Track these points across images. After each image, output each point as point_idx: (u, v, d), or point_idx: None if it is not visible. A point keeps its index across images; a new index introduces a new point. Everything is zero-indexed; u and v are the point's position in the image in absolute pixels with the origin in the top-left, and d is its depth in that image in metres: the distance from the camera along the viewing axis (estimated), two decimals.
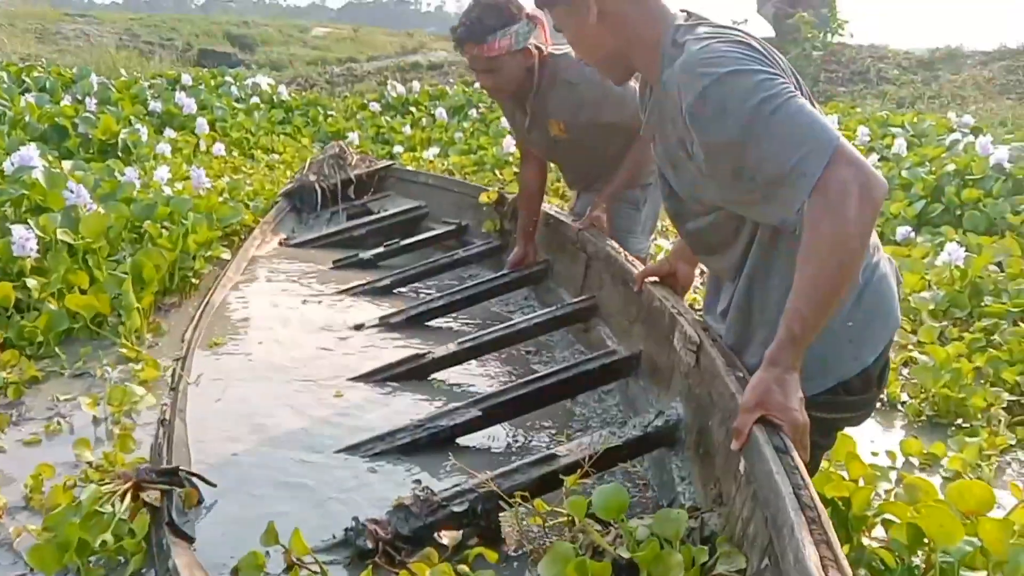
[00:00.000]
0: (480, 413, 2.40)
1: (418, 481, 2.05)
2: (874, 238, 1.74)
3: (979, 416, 2.86)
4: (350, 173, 5.53)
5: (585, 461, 1.94)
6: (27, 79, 8.88)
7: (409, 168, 5.63)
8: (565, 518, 1.76)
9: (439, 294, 3.69)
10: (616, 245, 2.94)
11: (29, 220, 3.73)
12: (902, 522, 1.77)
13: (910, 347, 3.44)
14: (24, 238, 3.42)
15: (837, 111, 9.37)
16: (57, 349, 3.13)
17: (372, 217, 5.10)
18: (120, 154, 6.55)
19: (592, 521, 1.70)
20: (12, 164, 4.40)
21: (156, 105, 8.25)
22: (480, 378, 2.92)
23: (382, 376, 2.84)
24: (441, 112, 9.46)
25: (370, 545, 1.82)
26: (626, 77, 1.95)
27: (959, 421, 2.88)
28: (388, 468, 2.28)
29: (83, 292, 3.42)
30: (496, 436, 2.44)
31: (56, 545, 1.88)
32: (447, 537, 1.81)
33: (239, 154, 7.85)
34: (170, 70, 11.90)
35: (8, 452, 2.48)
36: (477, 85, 11.45)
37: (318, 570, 1.73)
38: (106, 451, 2.39)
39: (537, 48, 3.09)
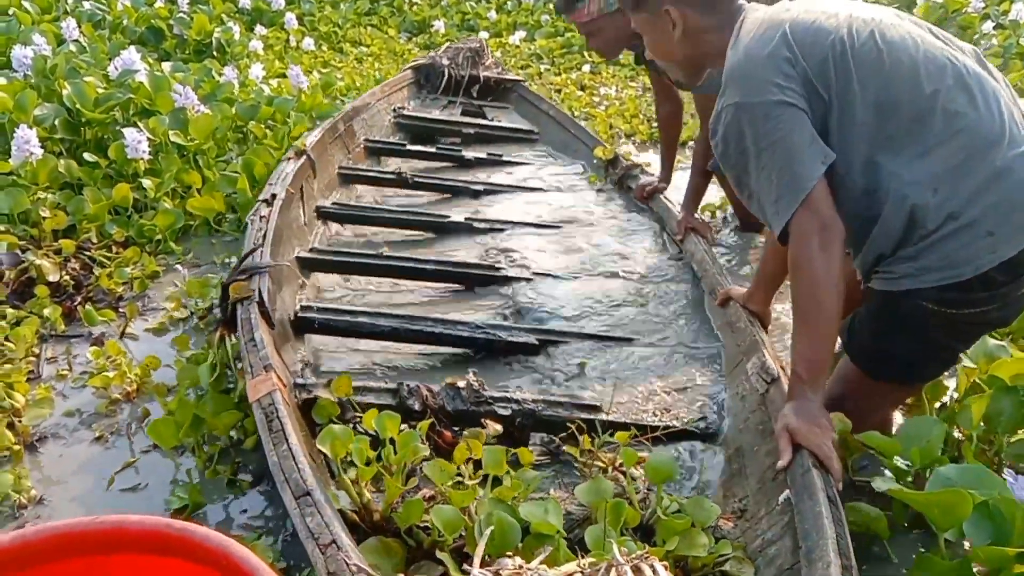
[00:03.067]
0: (536, 341, 2.52)
1: (476, 372, 2.18)
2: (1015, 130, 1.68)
3: None
4: (481, 72, 5.53)
5: (619, 422, 2.09)
6: None
7: (536, 91, 5.54)
8: (603, 462, 1.86)
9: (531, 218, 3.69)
10: (712, 255, 2.95)
11: (138, 123, 3.91)
12: None
13: None
14: (136, 140, 3.60)
15: None
16: (173, 244, 3.33)
17: (484, 122, 5.10)
18: (215, 53, 6.70)
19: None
20: (116, 68, 4.55)
21: (246, 2, 8.32)
22: (565, 301, 2.89)
23: (460, 273, 2.99)
24: None
25: (417, 407, 1.99)
26: (698, 79, 2.06)
27: None
28: (448, 356, 2.51)
29: (195, 191, 3.60)
30: (560, 363, 2.48)
31: (174, 422, 2.08)
32: (491, 427, 1.96)
33: (328, 48, 7.90)
34: None
35: (140, 339, 2.71)
36: None
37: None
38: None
39: None
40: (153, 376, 2.45)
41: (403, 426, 1.79)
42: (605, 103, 6.00)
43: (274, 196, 2.89)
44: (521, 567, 1.31)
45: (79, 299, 2.88)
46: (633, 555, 1.28)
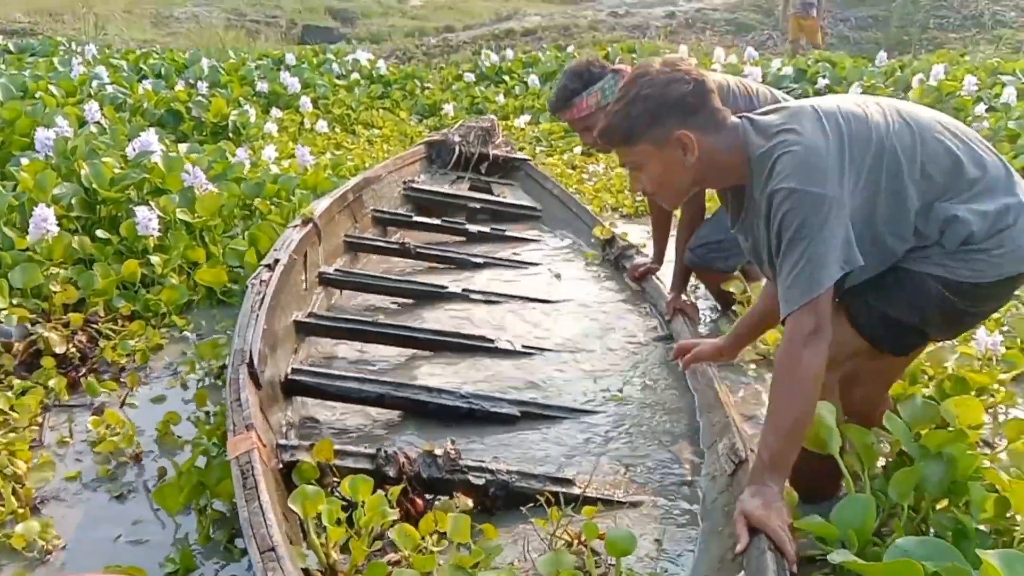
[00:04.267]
0: (518, 414, 2.60)
1: (454, 440, 2.26)
2: (1016, 181, 1.95)
3: None
4: (491, 150, 5.72)
5: (591, 496, 2.14)
6: (143, 66, 9.45)
7: (541, 170, 5.75)
8: (569, 535, 1.92)
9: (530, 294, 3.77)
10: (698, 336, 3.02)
11: (150, 201, 4.08)
12: (992, 494, 1.88)
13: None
14: (147, 218, 3.77)
15: (945, 60, 9.00)
16: (175, 318, 3.45)
17: (491, 198, 5.28)
18: (231, 135, 6.96)
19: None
20: (134, 149, 4.76)
21: (263, 86, 8.65)
22: (552, 375, 2.98)
23: (452, 343, 3.09)
24: (534, 79, 9.56)
25: (392, 473, 2.06)
26: (684, 199, 2.10)
27: None
28: (431, 422, 2.59)
29: (197, 265, 3.74)
30: (539, 436, 2.55)
31: (177, 487, 2.16)
32: (461, 500, 2.03)
33: (341, 130, 8.17)
34: (275, 50, 12.38)
35: (140, 408, 2.81)
36: (570, 49, 11.53)
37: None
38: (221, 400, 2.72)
39: None
40: (173, 430, 2.60)
41: (378, 490, 1.86)
42: (594, 179, 6.18)
43: (276, 261, 3.01)
44: None
45: (84, 370, 2.99)
46: None
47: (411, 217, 4.67)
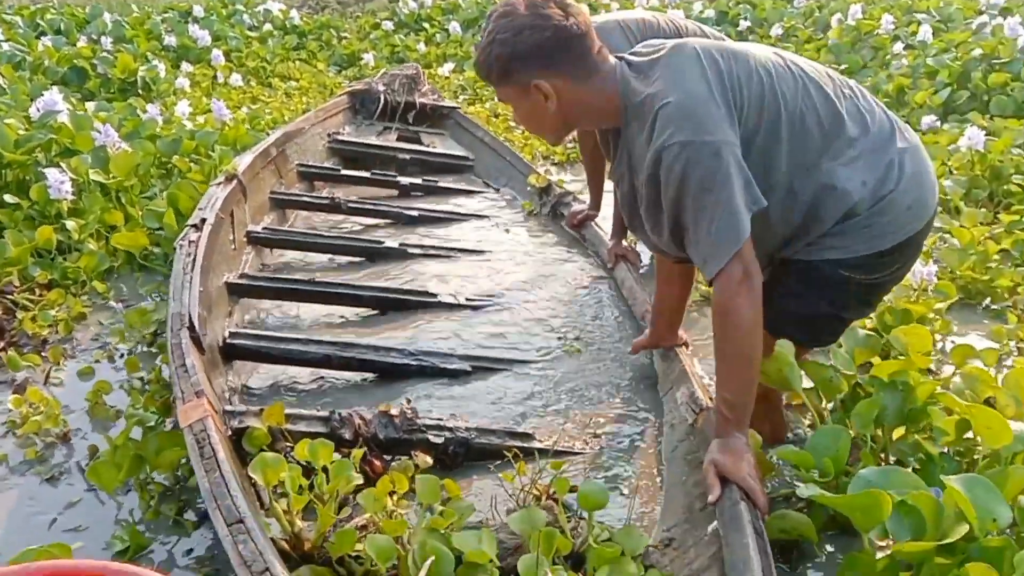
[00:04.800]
0: (469, 369, 2.54)
1: (408, 400, 2.20)
2: (900, 135, 1.90)
3: (1007, 297, 2.95)
4: (417, 99, 5.54)
5: (551, 449, 2.11)
6: (41, 22, 8.88)
7: (471, 118, 5.60)
8: (537, 490, 1.87)
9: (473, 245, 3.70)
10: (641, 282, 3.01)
11: (61, 163, 3.83)
12: (951, 418, 1.90)
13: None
14: (59, 181, 3.53)
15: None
16: (96, 284, 3.26)
17: (421, 148, 5.12)
18: (140, 92, 6.61)
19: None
20: (38, 109, 4.47)
21: (171, 39, 8.24)
22: (499, 328, 2.90)
23: (394, 299, 3.00)
24: (455, 26, 9.35)
25: (348, 436, 1.99)
26: (564, 138, 2.05)
27: (987, 302, 2.97)
28: (381, 382, 2.50)
29: (115, 229, 3.54)
30: (494, 390, 2.49)
31: (114, 463, 2.04)
32: (420, 459, 1.96)
33: (256, 83, 7.85)
34: (181, 1, 11.81)
35: (66, 383, 2.65)
36: None
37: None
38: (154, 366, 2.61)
39: None
40: (105, 401, 2.47)
41: (335, 455, 1.78)
42: (521, 127, 6.08)
43: (203, 221, 2.86)
44: None
45: (2, 344, 2.80)
46: None
47: (339, 171, 4.51)
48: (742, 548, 1.54)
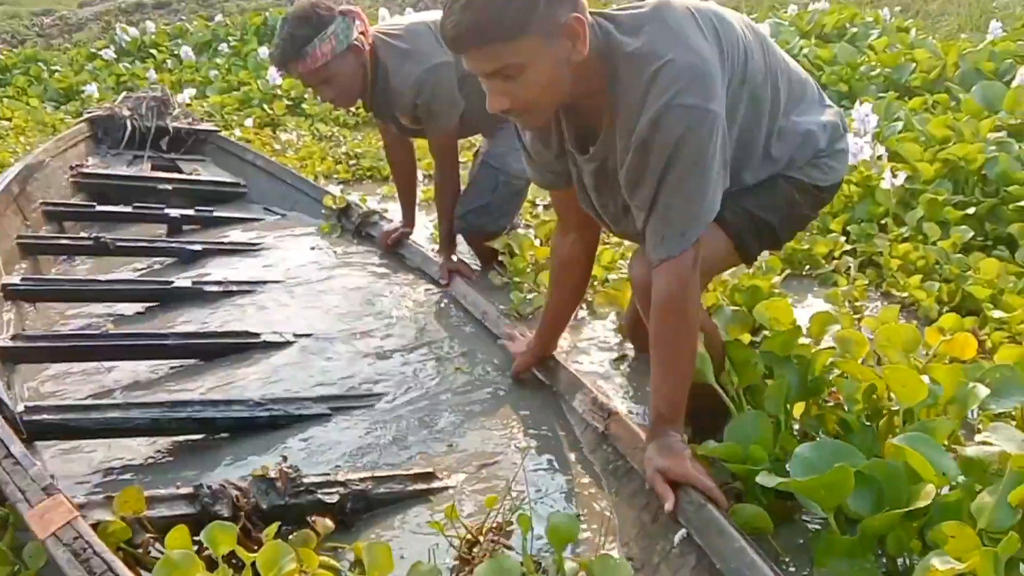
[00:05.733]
0: (328, 411, 2.22)
1: (285, 457, 1.88)
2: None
3: (826, 263, 3.07)
4: (168, 123, 4.93)
5: (459, 489, 1.88)
6: None
7: (234, 140, 5.06)
8: (471, 533, 1.65)
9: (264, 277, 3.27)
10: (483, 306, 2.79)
11: None
12: (862, 382, 1.87)
13: None
14: None
15: None
16: None
17: (183, 176, 4.55)
18: None
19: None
20: None
21: None
22: (342, 363, 2.55)
23: (210, 345, 2.61)
24: (187, 51, 8.65)
25: (226, 512, 1.63)
26: (546, 121, 1.75)
27: (808, 269, 3.11)
28: (226, 443, 2.11)
29: None
30: (365, 431, 2.17)
31: None
32: (320, 524, 1.66)
33: None
34: None
35: None
36: (219, 18, 10.59)
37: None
38: None
39: (363, 42, 2.84)
40: None
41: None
42: (289, 149, 5.70)
43: None
44: None
45: None
46: None
47: (93, 207, 3.91)
48: (738, 554, 1.40)
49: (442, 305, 2.96)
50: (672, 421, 1.67)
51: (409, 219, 3.47)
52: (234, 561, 1.42)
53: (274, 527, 1.50)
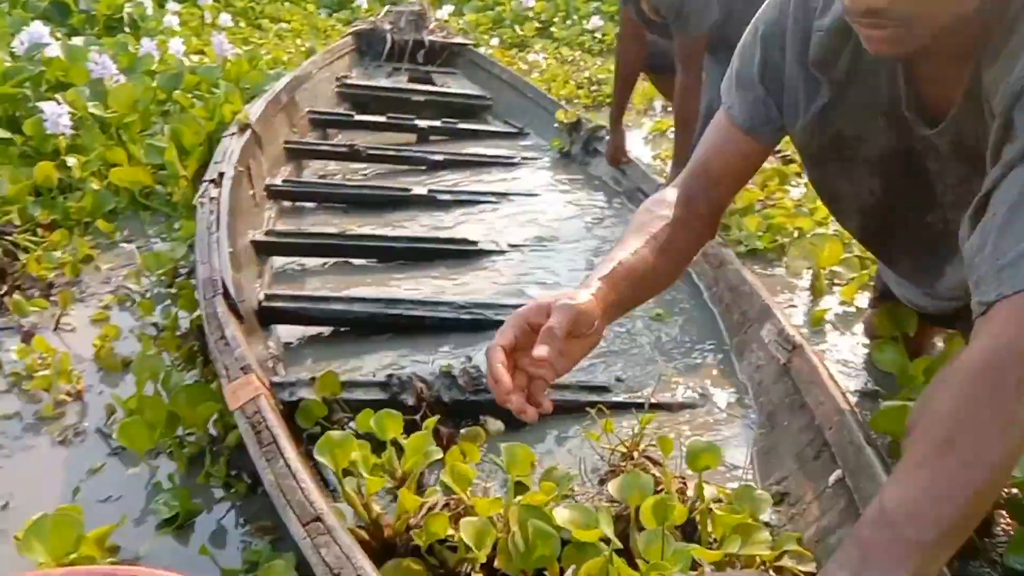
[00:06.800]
0: None
1: (469, 357, 2.00)
2: None
3: None
4: (425, 36, 5.25)
5: (632, 403, 1.91)
6: None
7: (483, 54, 5.31)
8: (626, 447, 1.68)
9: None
10: None
11: (55, 97, 3.54)
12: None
13: None
14: (56, 114, 3.25)
15: None
16: (101, 224, 3.01)
17: (435, 89, 4.83)
18: (127, 29, 6.25)
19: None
20: (23, 43, 4.15)
21: None
22: (547, 274, 2.70)
23: (431, 249, 2.80)
24: None
25: (411, 401, 1.77)
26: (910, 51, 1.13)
27: None
28: (431, 340, 2.26)
29: (115, 167, 3.28)
30: None
31: (146, 422, 1.82)
32: (490, 423, 1.77)
33: (246, 24, 7.51)
34: None
35: (78, 331, 2.41)
36: None
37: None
38: (168, 311, 2.41)
39: None
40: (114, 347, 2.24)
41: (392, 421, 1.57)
42: (535, 70, 5.83)
43: (222, 175, 2.62)
44: None
45: (5, 288, 2.54)
46: None
47: (352, 116, 4.22)
48: None
49: None
50: (918, 551, 0.87)
51: (616, 124, 3.41)
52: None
53: (432, 420, 1.61)
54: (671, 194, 1.47)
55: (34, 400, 2.07)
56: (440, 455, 1.52)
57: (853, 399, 1.71)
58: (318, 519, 1.26)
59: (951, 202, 1.35)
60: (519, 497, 1.42)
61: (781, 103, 1.42)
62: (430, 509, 1.42)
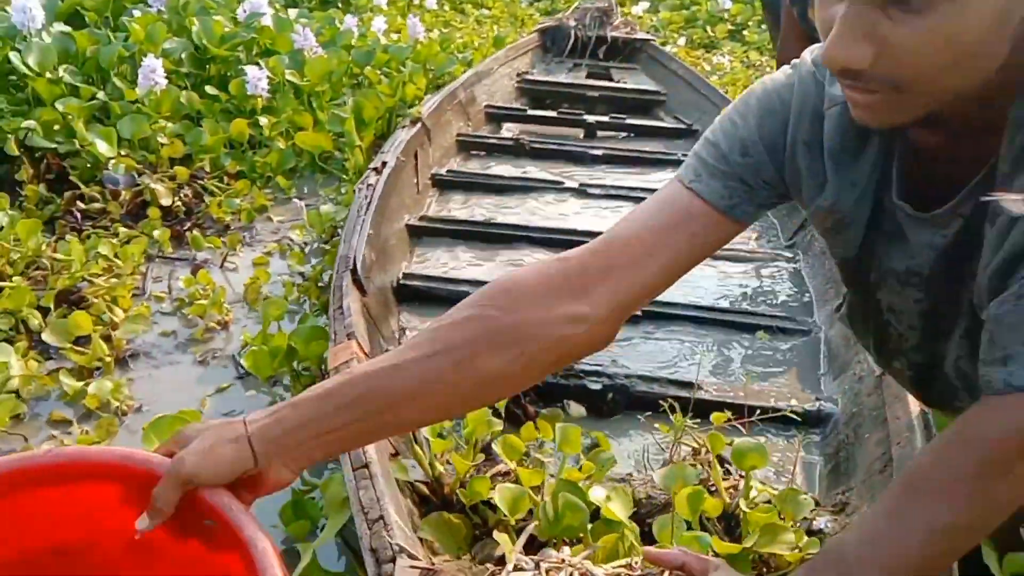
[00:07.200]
0: (640, 313, 2.39)
1: None
2: None
3: None
4: (608, 33, 5.42)
5: (714, 402, 1.96)
6: None
7: (666, 50, 5.41)
8: (696, 443, 1.74)
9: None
10: None
11: (260, 62, 3.95)
12: None
13: None
14: (257, 78, 3.64)
15: None
16: (280, 179, 3.37)
17: (610, 84, 4.99)
18: (339, 4, 6.77)
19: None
20: (244, 11, 4.62)
21: None
22: None
23: (567, 240, 2.88)
24: None
25: None
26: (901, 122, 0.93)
27: None
28: None
29: (302, 130, 3.64)
30: (664, 337, 2.38)
31: (270, 351, 2.08)
32: (573, 407, 1.90)
33: (450, 8, 7.90)
34: None
35: (240, 271, 2.74)
36: None
37: None
38: (315, 264, 2.72)
39: None
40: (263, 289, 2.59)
41: None
42: (718, 72, 5.80)
43: (384, 164, 2.88)
44: (563, 560, 1.25)
45: (188, 224, 2.93)
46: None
47: (525, 111, 4.44)
48: None
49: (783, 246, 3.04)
50: None
51: None
52: None
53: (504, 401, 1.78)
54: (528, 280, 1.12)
55: (189, 324, 2.42)
56: (499, 427, 1.67)
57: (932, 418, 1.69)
58: (365, 466, 1.44)
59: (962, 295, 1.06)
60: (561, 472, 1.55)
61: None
62: (478, 472, 1.57)
